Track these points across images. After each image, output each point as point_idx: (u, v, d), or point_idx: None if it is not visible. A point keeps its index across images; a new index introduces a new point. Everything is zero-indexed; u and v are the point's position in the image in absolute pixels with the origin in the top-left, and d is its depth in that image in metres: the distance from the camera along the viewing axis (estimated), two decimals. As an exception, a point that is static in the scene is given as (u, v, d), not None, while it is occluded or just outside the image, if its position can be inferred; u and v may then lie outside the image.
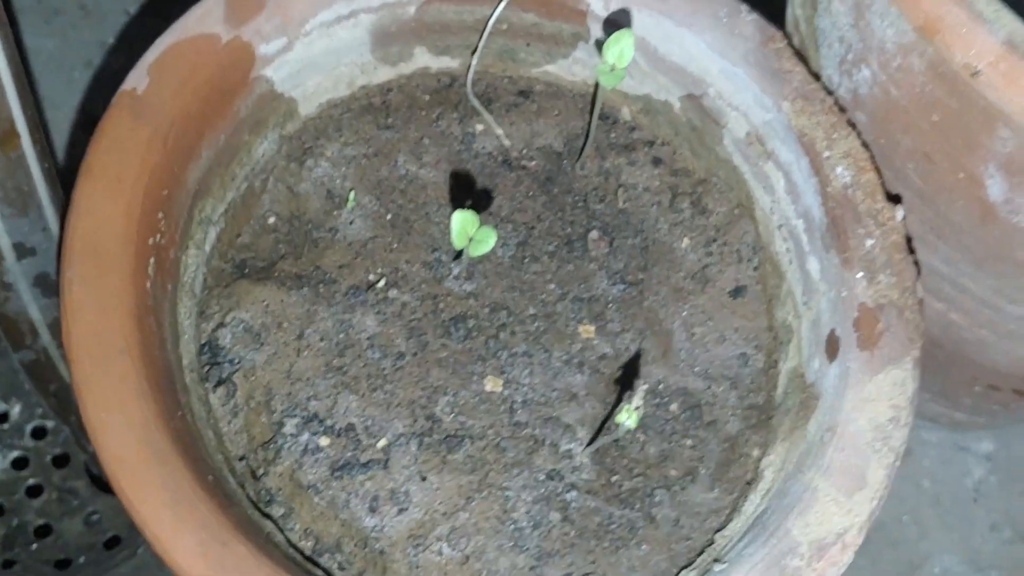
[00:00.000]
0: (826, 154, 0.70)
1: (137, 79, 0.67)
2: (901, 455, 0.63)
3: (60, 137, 1.08)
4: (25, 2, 1.14)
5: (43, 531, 0.97)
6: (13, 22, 0.70)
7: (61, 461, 1.00)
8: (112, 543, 0.97)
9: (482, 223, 0.59)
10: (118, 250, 0.62)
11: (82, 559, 0.96)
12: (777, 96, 0.71)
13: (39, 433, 1.01)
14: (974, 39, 0.58)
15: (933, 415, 0.98)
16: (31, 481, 0.99)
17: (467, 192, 0.74)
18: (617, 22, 0.73)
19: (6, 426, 1.01)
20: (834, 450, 0.63)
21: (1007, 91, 0.57)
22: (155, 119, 0.66)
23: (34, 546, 0.97)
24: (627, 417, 0.57)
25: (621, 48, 0.62)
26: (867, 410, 0.64)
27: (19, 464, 1.00)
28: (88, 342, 0.59)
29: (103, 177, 0.63)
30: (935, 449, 1.05)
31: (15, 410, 1.01)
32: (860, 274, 0.67)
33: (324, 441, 0.68)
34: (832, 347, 0.67)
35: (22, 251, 0.74)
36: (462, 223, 0.57)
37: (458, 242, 0.58)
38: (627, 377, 0.70)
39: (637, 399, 0.57)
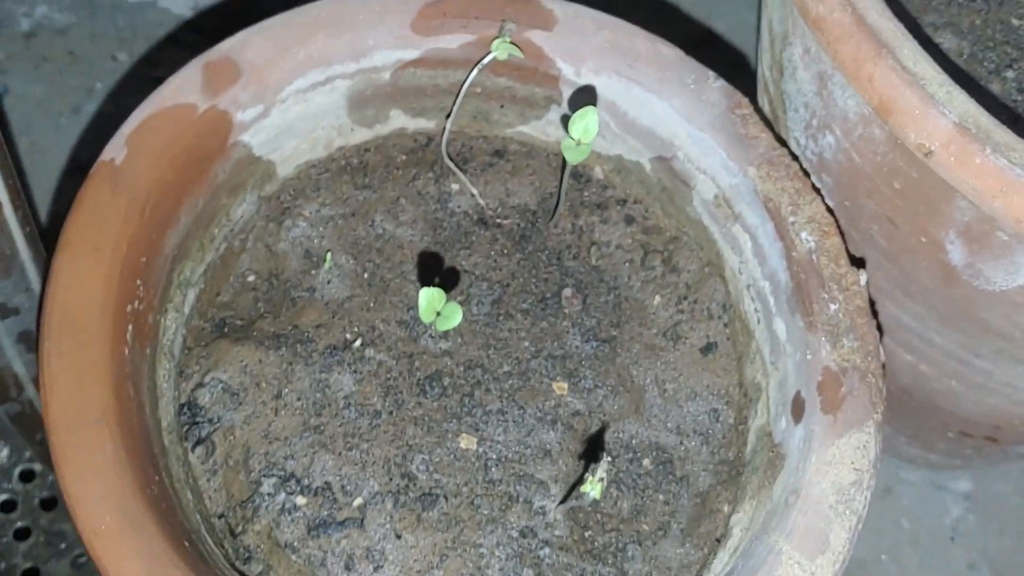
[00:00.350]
0: (791, 219, 0.71)
1: (115, 150, 0.68)
2: (864, 517, 0.65)
3: (47, 183, 1.09)
4: (14, 48, 1.16)
5: (31, 574, 0.99)
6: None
7: (49, 504, 1.02)
8: (98, 588, 0.99)
9: (451, 296, 0.60)
10: (96, 321, 0.63)
11: (69, 604, 0.98)
12: (743, 161, 0.73)
13: (27, 476, 1.02)
14: (926, 121, 0.59)
15: (910, 456, 1.00)
16: (19, 524, 1.01)
17: (437, 259, 0.76)
18: (588, 87, 0.75)
19: (-6, 470, 1.02)
20: (798, 513, 0.65)
21: (959, 172, 0.59)
22: (133, 189, 0.67)
23: (22, 590, 0.98)
24: (591, 488, 0.58)
25: (586, 124, 0.64)
26: (830, 473, 0.66)
27: (7, 507, 1.01)
28: (65, 413, 0.61)
29: (81, 249, 0.65)
30: (913, 488, 1.07)
31: (3, 453, 1.02)
32: (824, 338, 0.68)
33: (301, 500, 0.70)
34: (798, 409, 0.68)
35: (5, 311, 0.75)
36: (429, 300, 0.59)
37: (425, 317, 0.60)
38: (597, 439, 0.72)
39: (601, 471, 0.58)
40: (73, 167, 1.10)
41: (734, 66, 1.00)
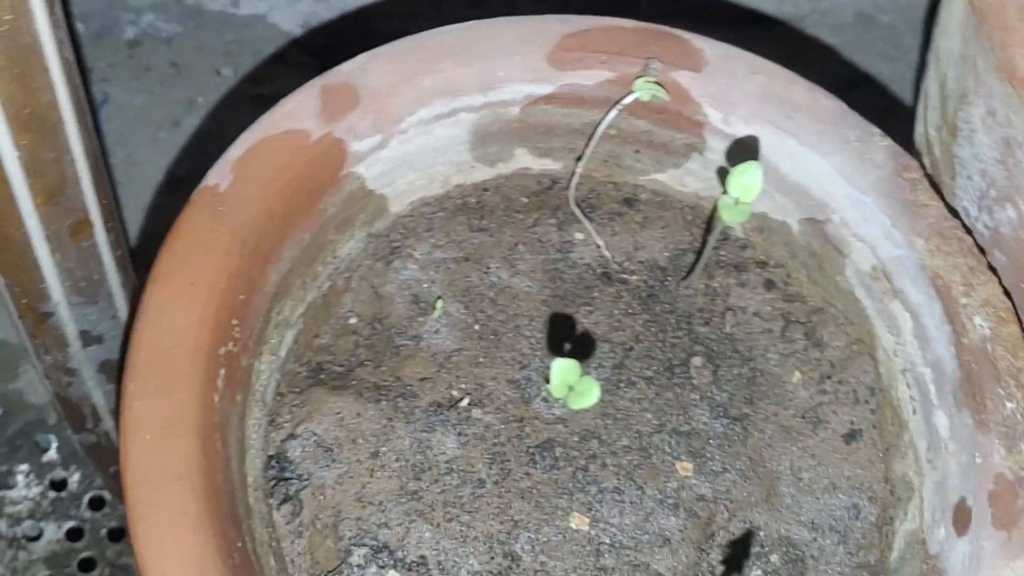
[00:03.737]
0: (963, 300, 0.63)
1: (219, 175, 0.63)
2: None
3: (141, 199, 1.05)
4: (117, 56, 1.12)
5: (91, 608, 0.94)
6: (93, 109, 0.67)
7: (117, 535, 0.97)
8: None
9: (585, 370, 0.53)
10: (186, 364, 0.58)
11: (129, 645, 0.93)
12: (909, 231, 0.65)
13: (97, 504, 0.97)
14: None
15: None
16: (85, 554, 0.96)
17: (565, 320, 0.69)
18: (740, 138, 0.67)
19: (64, 494, 0.97)
20: (958, 641, 0.56)
21: None
22: (236, 220, 0.61)
23: (84, 623, 0.93)
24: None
25: (747, 181, 0.57)
26: (1000, 598, 0.57)
27: (74, 535, 0.96)
28: (145, 465, 0.55)
29: (176, 282, 0.59)
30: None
31: (74, 478, 0.98)
32: (997, 440, 0.60)
33: (393, 575, 0.63)
34: (962, 518, 0.60)
35: (88, 339, 0.70)
36: (562, 373, 0.52)
37: (557, 392, 0.53)
38: (740, 540, 0.64)
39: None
40: (169, 183, 1.06)
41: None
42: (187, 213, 0.62)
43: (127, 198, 1.05)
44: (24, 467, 0.97)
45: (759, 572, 0.65)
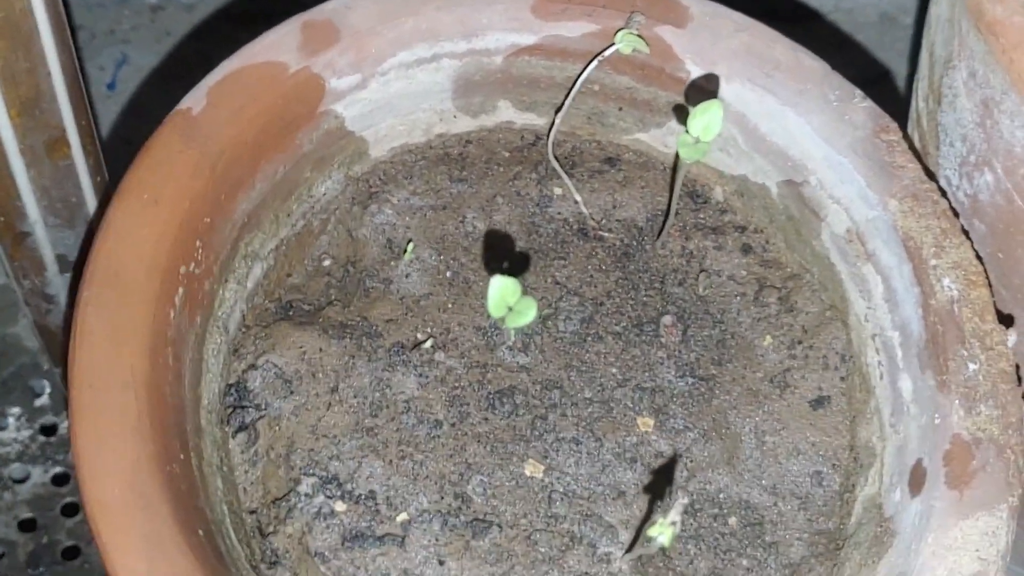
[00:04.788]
0: (933, 262, 0.62)
1: (194, 100, 0.63)
2: (981, 617, 0.55)
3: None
4: (139, 20, 1.14)
5: (71, 552, 0.94)
6: (73, 29, 0.68)
7: (103, 484, 0.97)
8: (136, 578, 0.93)
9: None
10: (142, 275, 0.58)
11: (103, 590, 0.93)
12: (884, 192, 0.64)
13: (86, 453, 0.98)
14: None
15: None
16: (69, 499, 0.96)
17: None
18: (713, 93, 0.67)
19: (53, 439, 0.98)
20: (904, 601, 0.55)
21: None
22: (206, 143, 0.62)
23: (60, 567, 0.93)
24: (661, 532, 0.50)
25: (708, 120, 0.56)
26: (948, 559, 0.56)
27: (60, 480, 0.97)
28: (91, 370, 0.55)
29: (139, 199, 0.60)
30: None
31: (64, 424, 0.99)
32: (957, 401, 0.58)
33: (340, 506, 0.63)
34: (917, 479, 0.59)
35: (65, 264, 0.71)
36: (501, 291, 0.52)
37: (495, 311, 0.52)
38: (677, 480, 0.63)
39: (674, 514, 0.49)
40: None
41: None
42: (158, 134, 0.63)
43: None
44: (16, 410, 0.98)
45: (716, 534, 0.64)
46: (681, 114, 0.67)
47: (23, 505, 0.95)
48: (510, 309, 0.52)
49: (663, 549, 0.63)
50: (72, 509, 0.96)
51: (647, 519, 0.62)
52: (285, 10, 0.71)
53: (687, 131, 0.57)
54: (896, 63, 1.14)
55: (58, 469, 0.97)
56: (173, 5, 1.15)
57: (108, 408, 0.55)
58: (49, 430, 0.98)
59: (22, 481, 0.96)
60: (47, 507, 0.95)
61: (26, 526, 0.94)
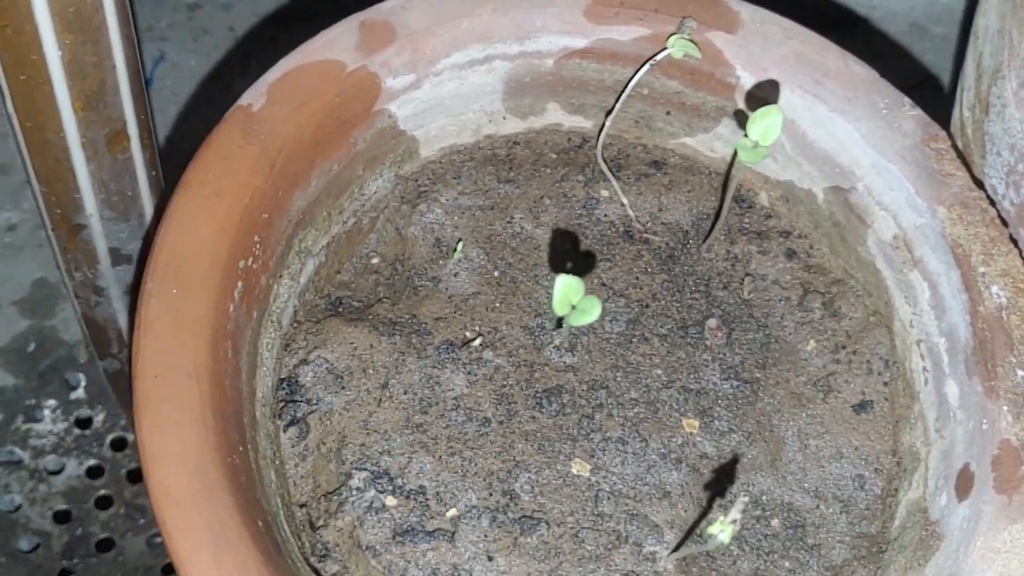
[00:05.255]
0: (981, 270, 0.63)
1: (254, 96, 0.64)
2: (1029, 620, 0.55)
3: (190, 153, 1.07)
4: (177, 17, 1.15)
5: (105, 545, 0.95)
6: (136, 25, 0.69)
7: (135, 476, 0.98)
8: (170, 569, 0.94)
9: (588, 292, 0.54)
10: (205, 269, 0.59)
11: (137, 581, 0.94)
12: (933, 200, 0.65)
13: (119, 444, 0.99)
14: None
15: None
16: (103, 492, 0.97)
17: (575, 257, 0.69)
18: (765, 100, 0.68)
19: (88, 432, 0.99)
20: (952, 603, 0.56)
21: None
22: (266, 139, 0.63)
23: (93, 559, 0.94)
24: (721, 530, 0.51)
25: (767, 125, 0.57)
26: (997, 562, 0.56)
27: (94, 473, 0.98)
28: (156, 360, 0.56)
29: (201, 192, 0.60)
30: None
31: (99, 417, 0.99)
32: (1006, 407, 0.59)
33: (391, 501, 0.64)
34: (964, 484, 0.59)
35: (117, 257, 0.71)
36: (565, 289, 0.52)
37: (559, 309, 0.53)
38: (723, 482, 0.64)
39: (735, 512, 0.50)
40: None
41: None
42: (219, 129, 0.63)
43: (173, 154, 1.07)
44: (52, 403, 0.99)
45: (758, 535, 0.65)
46: (739, 119, 0.68)
47: (58, 497, 0.96)
48: (573, 307, 0.53)
49: (706, 550, 0.63)
50: (106, 502, 0.96)
51: (701, 518, 0.62)
52: (323, 9, 0.72)
53: (746, 135, 0.58)
54: (929, 72, 1.14)
55: (92, 462, 0.98)
56: (210, 3, 1.16)
57: (172, 398, 0.56)
58: (84, 423, 0.99)
59: (57, 473, 0.97)
60: (81, 499, 0.96)
61: (60, 518, 0.95)
